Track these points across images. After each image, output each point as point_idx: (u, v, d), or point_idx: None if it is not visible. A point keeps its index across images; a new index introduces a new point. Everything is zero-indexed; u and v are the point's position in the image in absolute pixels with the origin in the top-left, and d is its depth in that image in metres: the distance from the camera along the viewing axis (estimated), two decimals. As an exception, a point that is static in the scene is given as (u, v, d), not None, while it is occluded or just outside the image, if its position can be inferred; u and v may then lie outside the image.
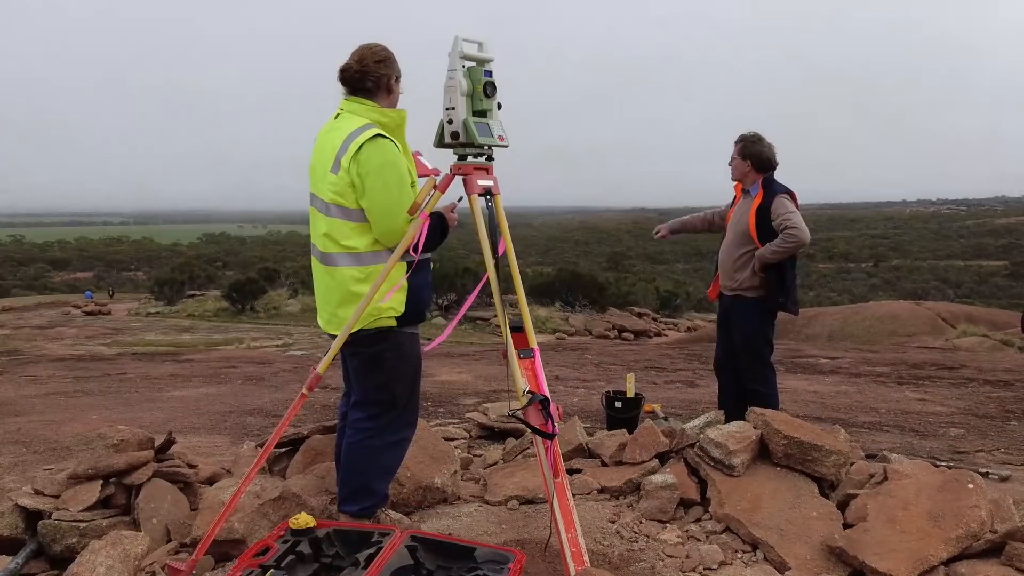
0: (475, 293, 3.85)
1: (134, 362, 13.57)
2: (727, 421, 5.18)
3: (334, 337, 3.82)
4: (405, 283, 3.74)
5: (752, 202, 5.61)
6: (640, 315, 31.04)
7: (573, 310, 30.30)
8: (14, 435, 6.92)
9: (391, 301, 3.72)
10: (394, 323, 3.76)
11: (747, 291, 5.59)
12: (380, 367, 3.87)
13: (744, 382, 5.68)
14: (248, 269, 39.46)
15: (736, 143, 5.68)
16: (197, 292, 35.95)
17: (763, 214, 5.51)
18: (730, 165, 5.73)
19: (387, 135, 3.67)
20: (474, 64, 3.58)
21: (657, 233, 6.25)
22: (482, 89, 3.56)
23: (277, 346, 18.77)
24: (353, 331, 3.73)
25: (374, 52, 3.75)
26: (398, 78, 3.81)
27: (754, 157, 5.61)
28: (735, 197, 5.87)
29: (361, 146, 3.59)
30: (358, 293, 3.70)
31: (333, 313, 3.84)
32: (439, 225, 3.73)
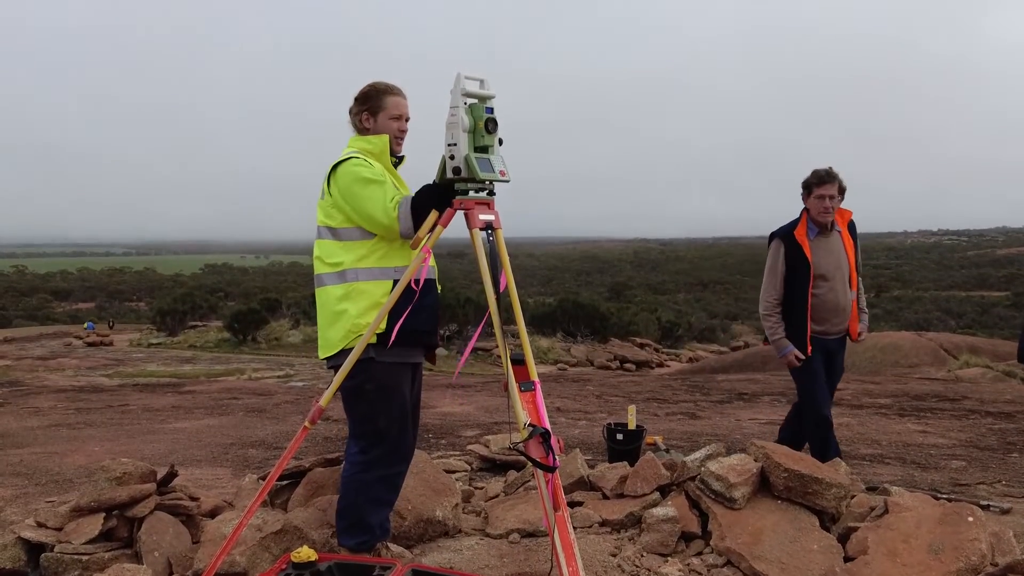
0: (478, 332, 3.87)
1: (136, 393, 13.57)
2: None
3: (328, 364, 3.90)
4: (391, 304, 3.75)
5: (841, 239, 5.62)
6: (642, 345, 30.99)
7: (575, 340, 30.28)
8: (16, 467, 6.92)
9: (369, 318, 3.77)
10: (374, 339, 3.77)
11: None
12: (361, 400, 3.90)
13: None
14: (250, 299, 39.46)
15: (831, 180, 5.44)
16: (199, 322, 35.94)
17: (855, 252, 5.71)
18: (828, 208, 5.47)
19: (365, 157, 3.87)
20: (476, 101, 3.63)
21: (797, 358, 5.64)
22: (483, 125, 3.62)
23: (278, 377, 18.76)
24: (336, 351, 3.84)
25: (357, 93, 4.01)
26: (372, 111, 3.96)
27: (844, 192, 5.57)
28: (798, 242, 5.53)
29: (335, 168, 3.84)
30: (340, 311, 3.82)
31: (321, 336, 3.94)
32: (433, 192, 3.69)
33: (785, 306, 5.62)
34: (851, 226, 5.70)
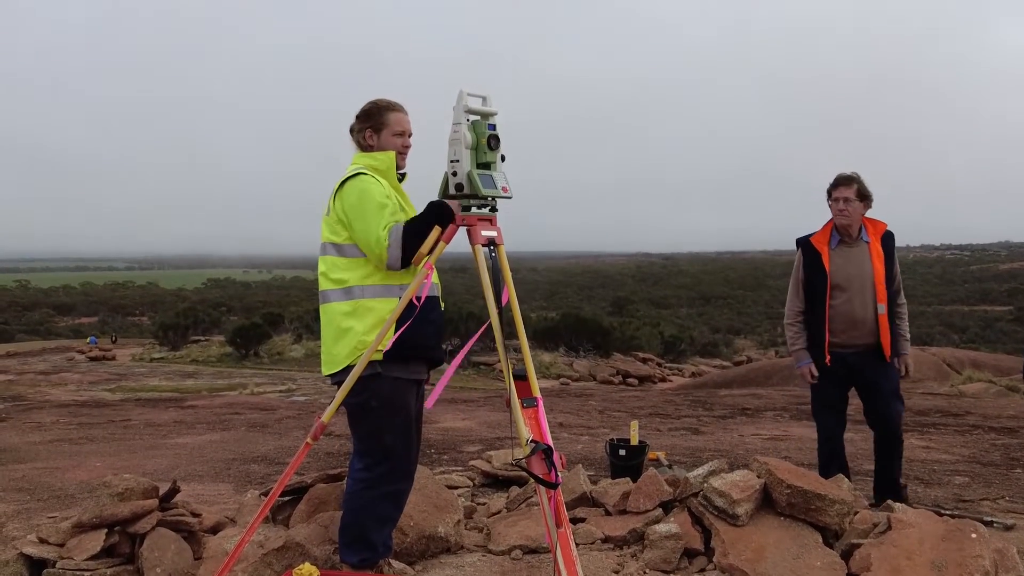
0: (474, 339, 3.89)
1: (138, 408, 13.56)
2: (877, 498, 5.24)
3: (332, 380, 3.90)
4: (395, 319, 3.76)
5: (869, 250, 5.36)
6: (645, 360, 31.01)
7: (577, 355, 30.28)
8: (18, 482, 6.91)
9: (375, 335, 3.77)
10: (379, 356, 3.77)
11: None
12: (366, 416, 3.89)
13: (896, 432, 5.45)
14: (252, 314, 39.53)
15: (848, 183, 5.30)
16: (201, 337, 35.97)
17: (887, 265, 5.37)
18: (843, 208, 5.30)
19: (372, 174, 3.87)
20: (478, 118, 3.66)
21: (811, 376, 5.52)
22: (486, 142, 3.64)
23: (280, 392, 18.76)
24: (341, 368, 3.83)
25: (358, 111, 4.03)
26: (375, 128, 3.98)
27: (870, 198, 5.37)
28: (817, 250, 5.42)
29: (342, 184, 3.84)
30: (346, 328, 3.81)
31: (326, 352, 3.94)
32: (436, 212, 3.70)
33: (807, 315, 5.49)
34: (886, 239, 5.43)
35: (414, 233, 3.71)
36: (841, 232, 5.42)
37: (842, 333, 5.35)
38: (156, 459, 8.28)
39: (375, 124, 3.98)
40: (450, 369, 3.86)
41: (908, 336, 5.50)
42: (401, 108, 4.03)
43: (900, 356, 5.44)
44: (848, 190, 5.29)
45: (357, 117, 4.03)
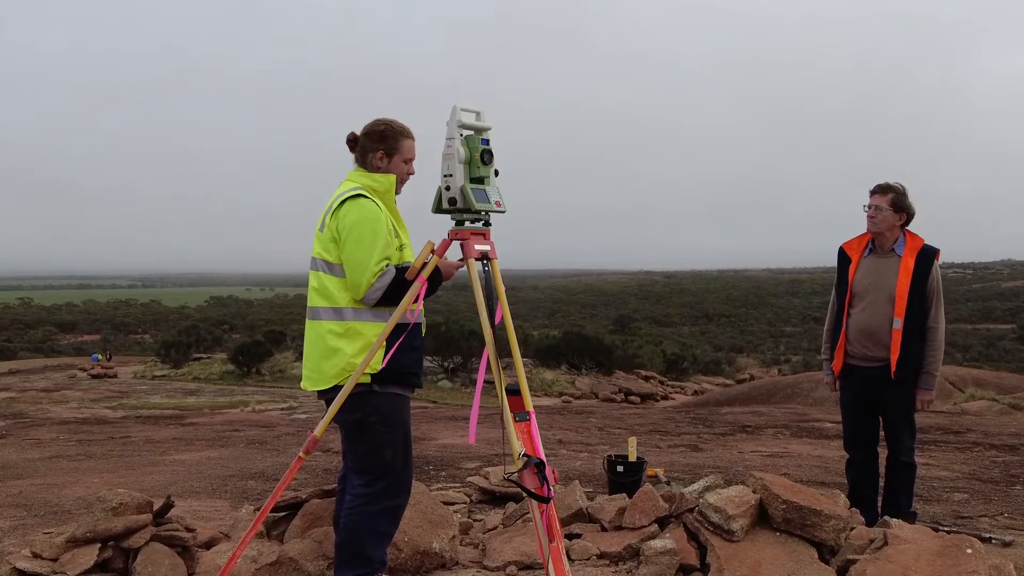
0: (483, 370, 3.83)
1: (138, 425, 13.55)
2: (871, 511, 5.11)
3: (320, 396, 3.89)
4: (384, 341, 3.77)
5: (899, 263, 5.17)
6: (647, 378, 30.95)
7: (579, 373, 30.23)
8: (15, 498, 6.91)
9: (364, 357, 3.77)
10: (367, 379, 3.77)
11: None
12: (365, 432, 3.88)
13: (899, 460, 5.24)
14: (255, 332, 39.56)
15: (882, 192, 5.18)
16: (203, 355, 35.98)
17: (916, 281, 5.13)
18: (872, 215, 5.20)
19: (371, 196, 3.84)
20: (472, 133, 3.68)
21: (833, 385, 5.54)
22: (479, 156, 3.66)
23: (282, 409, 18.73)
24: (329, 386, 3.82)
25: (369, 125, 3.98)
26: (388, 152, 3.94)
27: (907, 211, 5.20)
28: (847, 256, 5.37)
29: (342, 203, 3.79)
30: (335, 347, 3.80)
31: (313, 368, 3.92)
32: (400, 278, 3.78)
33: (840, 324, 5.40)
34: (922, 255, 5.17)
35: (400, 287, 3.73)
36: (874, 241, 5.32)
37: (857, 343, 5.27)
38: (154, 475, 8.26)
39: (388, 148, 3.94)
40: (476, 400, 3.79)
41: (933, 370, 5.21)
42: (412, 135, 4.00)
43: (917, 389, 5.20)
44: (882, 199, 5.18)
45: (369, 136, 3.95)
